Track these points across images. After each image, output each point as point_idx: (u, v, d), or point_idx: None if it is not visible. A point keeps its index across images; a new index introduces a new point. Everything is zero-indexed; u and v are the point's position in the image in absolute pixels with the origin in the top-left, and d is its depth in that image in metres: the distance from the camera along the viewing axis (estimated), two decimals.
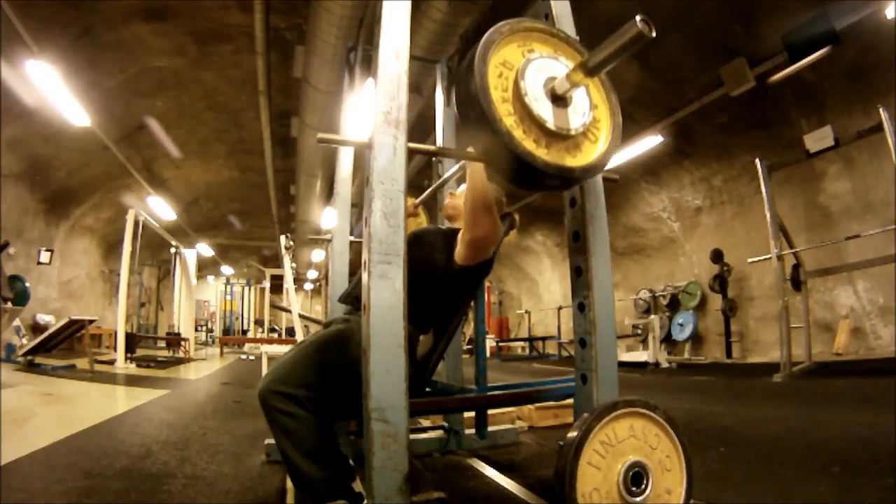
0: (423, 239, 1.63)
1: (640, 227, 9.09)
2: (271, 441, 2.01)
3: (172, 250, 9.90)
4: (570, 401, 1.44)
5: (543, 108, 1.18)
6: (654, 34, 1.01)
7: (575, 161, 1.21)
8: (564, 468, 1.13)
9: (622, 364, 5.65)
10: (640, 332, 8.20)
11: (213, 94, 7.56)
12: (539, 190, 1.28)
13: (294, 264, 5.38)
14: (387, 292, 1.06)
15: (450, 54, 3.15)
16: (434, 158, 2.58)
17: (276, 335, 14.41)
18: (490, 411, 2.49)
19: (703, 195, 7.82)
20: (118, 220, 8.81)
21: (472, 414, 2.31)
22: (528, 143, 1.14)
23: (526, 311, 12.61)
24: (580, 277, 1.37)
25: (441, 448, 2.30)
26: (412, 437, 1.79)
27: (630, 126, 6.60)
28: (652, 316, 7.51)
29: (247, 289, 16.75)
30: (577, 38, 1.49)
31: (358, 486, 1.42)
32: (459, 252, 1.49)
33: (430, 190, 2.01)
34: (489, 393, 1.88)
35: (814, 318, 5.95)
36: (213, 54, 6.50)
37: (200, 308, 17.10)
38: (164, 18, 5.71)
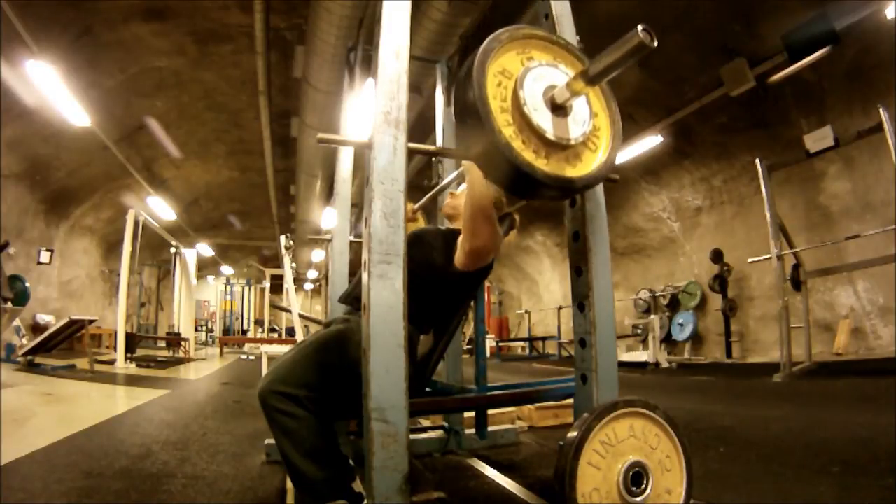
0: (423, 239, 1.63)
1: (640, 227, 9.09)
2: (271, 441, 2.01)
3: (172, 250, 9.90)
4: (570, 401, 1.44)
5: (543, 118, 1.16)
6: (655, 44, 0.99)
7: (575, 171, 1.19)
8: (564, 468, 1.13)
9: (622, 364, 5.65)
10: (640, 332, 8.20)
11: (213, 94, 7.56)
12: (539, 199, 1.26)
13: (294, 264, 5.38)
14: (387, 292, 1.06)
15: (450, 54, 3.15)
16: (434, 158, 2.59)
17: (276, 335, 14.41)
18: (490, 411, 2.48)
19: (703, 195, 7.82)
20: (118, 220, 8.81)
21: (472, 414, 2.31)
22: (528, 154, 1.12)
23: (526, 311, 12.61)
24: (580, 277, 1.37)
25: (441, 448, 2.30)
26: (412, 437, 1.79)
27: (630, 126, 6.61)
28: (652, 316, 7.51)
29: (247, 289, 16.75)
30: (578, 37, 1.49)
31: (358, 486, 1.42)
32: (459, 259, 1.48)
33: (429, 195, 2.01)
34: (489, 393, 1.88)
35: (814, 318, 5.95)
36: (213, 54, 6.50)
37: (200, 308, 17.09)
38: (164, 18, 5.71)
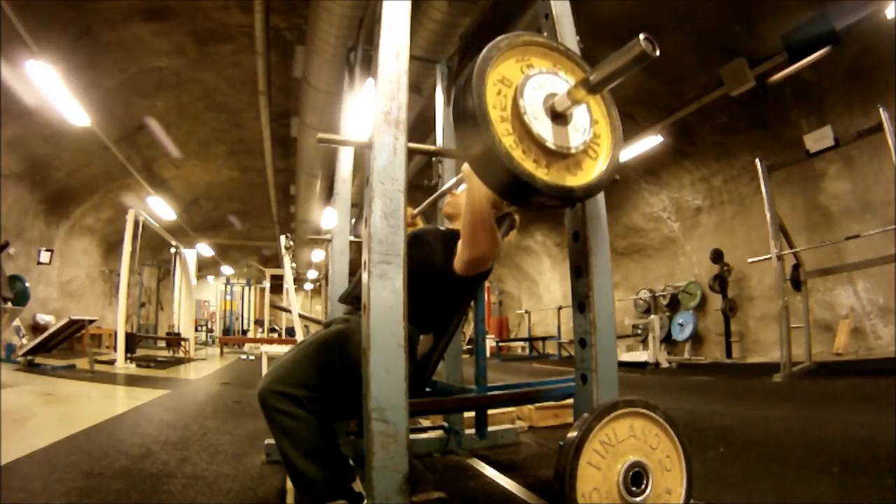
0: (423, 239, 1.63)
1: (640, 227, 9.09)
2: (271, 441, 2.01)
3: (172, 250, 9.90)
4: (570, 401, 1.44)
5: (543, 127, 1.15)
6: (657, 53, 0.98)
7: (576, 180, 1.18)
8: (564, 468, 1.13)
9: (622, 364, 5.65)
10: (640, 332, 8.20)
11: (213, 94, 7.56)
12: (539, 209, 1.25)
13: (294, 264, 5.38)
14: (387, 292, 1.05)
15: (450, 54, 3.15)
16: (434, 158, 2.58)
17: (276, 335, 14.41)
18: (490, 411, 2.48)
19: (703, 195, 7.82)
20: (118, 220, 8.80)
21: (472, 414, 2.30)
22: (528, 164, 1.11)
23: (526, 311, 12.61)
24: (580, 277, 1.37)
25: (441, 448, 2.30)
26: (412, 437, 1.79)
27: (630, 126, 6.63)
28: (652, 316, 7.51)
29: (247, 289, 16.75)
30: (577, 37, 1.49)
31: (358, 486, 1.42)
32: (458, 266, 1.48)
33: (428, 200, 2.01)
34: (489, 393, 1.88)
35: (814, 318, 5.95)
36: (213, 54, 6.50)
37: (200, 308, 17.10)
38: (164, 18, 5.71)
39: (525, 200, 1.19)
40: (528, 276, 13.27)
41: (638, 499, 1.17)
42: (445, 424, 2.38)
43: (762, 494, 1.66)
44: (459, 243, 1.48)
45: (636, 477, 1.18)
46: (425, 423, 2.62)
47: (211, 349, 12.31)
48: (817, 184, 6.19)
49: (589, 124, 1.22)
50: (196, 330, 12.67)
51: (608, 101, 1.31)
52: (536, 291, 13.13)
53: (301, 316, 5.24)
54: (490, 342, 10.65)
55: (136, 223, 7.11)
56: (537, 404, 2.82)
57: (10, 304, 5.82)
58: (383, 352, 1.03)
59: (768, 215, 5.07)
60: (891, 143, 4.14)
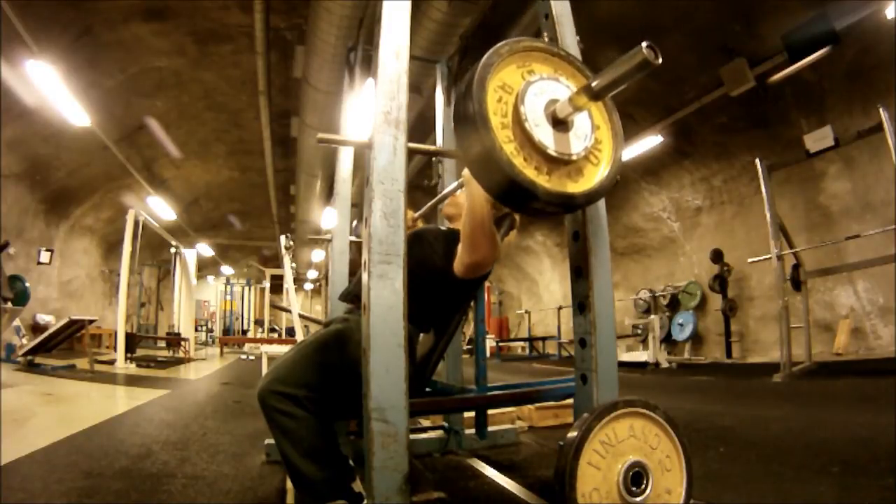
0: (423, 238, 1.63)
1: (640, 227, 9.09)
2: (271, 441, 2.01)
3: (172, 250, 9.90)
4: (570, 401, 1.44)
5: (544, 134, 1.14)
6: (659, 61, 0.98)
7: (577, 187, 1.18)
8: (564, 468, 1.13)
9: (622, 364, 5.65)
10: (640, 332, 8.20)
11: (213, 94, 7.56)
12: (540, 216, 1.25)
13: (294, 264, 5.37)
14: (387, 292, 1.06)
15: (450, 54, 3.15)
16: (434, 158, 2.59)
17: (276, 335, 14.41)
18: (490, 411, 2.48)
19: (703, 195, 7.82)
20: (118, 220, 8.80)
21: (472, 414, 2.30)
22: (530, 172, 1.10)
23: (526, 311, 12.61)
24: (580, 277, 1.37)
25: (441, 448, 2.30)
26: (412, 437, 1.79)
27: (630, 126, 6.63)
28: (652, 316, 7.51)
29: (247, 289, 16.75)
30: (578, 37, 1.49)
31: (358, 486, 1.42)
32: (457, 269, 1.48)
33: (429, 204, 2.01)
34: (489, 393, 1.88)
35: (814, 318, 5.95)
36: (213, 54, 6.50)
37: (200, 308, 17.10)
38: (164, 18, 5.71)
39: (526, 207, 1.18)
40: (528, 276, 13.27)
41: (638, 499, 1.17)
42: (445, 424, 2.38)
43: (762, 494, 1.66)
44: (459, 247, 1.48)
45: (636, 477, 1.18)
46: (425, 423, 2.62)
47: (211, 349, 12.31)
48: (817, 184, 6.19)
49: (590, 130, 1.22)
50: (196, 330, 12.67)
51: (609, 107, 1.30)
52: (536, 291, 13.13)
53: (301, 316, 5.23)
54: (490, 342, 10.65)
55: (136, 223, 7.11)
56: (537, 404, 2.82)
57: (10, 304, 5.82)
58: (383, 352, 1.03)
59: (768, 215, 5.07)
60: (891, 143, 4.14)
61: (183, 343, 9.08)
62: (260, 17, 5.20)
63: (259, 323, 15.87)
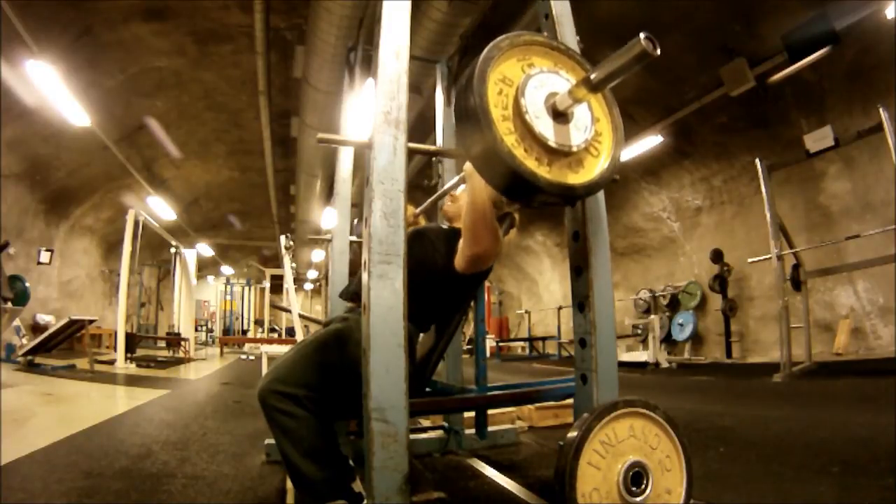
0: (424, 236, 1.63)
1: (640, 227, 9.09)
2: (271, 441, 2.01)
3: (172, 250, 9.90)
4: (570, 401, 1.44)
5: (545, 126, 1.16)
6: (658, 52, 0.99)
7: (577, 178, 1.19)
8: (564, 468, 1.13)
9: (622, 364, 5.65)
10: (640, 332, 8.20)
11: (213, 94, 7.56)
12: (541, 208, 1.27)
13: (294, 264, 5.37)
14: (387, 292, 1.06)
15: (450, 54, 3.15)
16: (434, 158, 2.58)
17: (276, 335, 14.41)
18: (490, 411, 2.48)
19: (703, 195, 7.82)
20: (118, 220, 8.80)
21: (472, 414, 2.30)
22: (530, 163, 1.11)
23: (526, 311, 12.61)
24: (580, 277, 1.37)
25: (441, 448, 2.30)
26: (412, 437, 1.79)
27: (630, 126, 6.60)
28: (652, 316, 7.51)
29: (247, 289, 16.75)
30: (578, 37, 1.49)
31: (358, 486, 1.42)
32: (458, 263, 1.48)
33: (430, 200, 2.01)
34: (489, 393, 1.88)
35: (814, 318, 5.95)
36: (213, 54, 6.51)
37: (200, 308, 17.09)
38: (164, 18, 5.71)
39: (527, 198, 1.19)
40: (528, 276, 13.27)
41: (638, 499, 1.17)
42: (445, 424, 2.38)
43: (762, 494, 1.66)
44: (461, 241, 1.48)
45: (636, 477, 1.18)
46: (425, 423, 2.62)
47: (211, 349, 12.31)
48: (817, 184, 6.19)
49: (590, 122, 1.23)
50: (196, 330, 12.67)
51: (609, 100, 1.31)
52: (536, 291, 13.13)
53: (301, 316, 5.23)
54: (490, 342, 10.65)
55: (136, 223, 7.11)
56: (537, 404, 2.82)
57: (10, 304, 5.82)
58: (383, 352, 1.03)
59: (768, 215, 5.07)
60: (891, 143, 4.14)
61: (183, 343, 9.08)
62: (260, 17, 5.20)
63: (259, 323, 15.87)
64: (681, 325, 8.09)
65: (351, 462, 1.45)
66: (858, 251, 5.39)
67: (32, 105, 5.89)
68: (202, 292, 17.25)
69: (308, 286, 19.92)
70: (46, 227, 8.71)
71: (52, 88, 5.23)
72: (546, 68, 1.23)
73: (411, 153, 1.18)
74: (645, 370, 6.58)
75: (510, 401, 1.99)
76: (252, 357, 9.16)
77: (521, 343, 12.40)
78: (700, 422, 2.85)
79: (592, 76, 1.12)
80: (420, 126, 5.39)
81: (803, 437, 2.42)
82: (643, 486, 1.19)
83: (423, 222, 2.30)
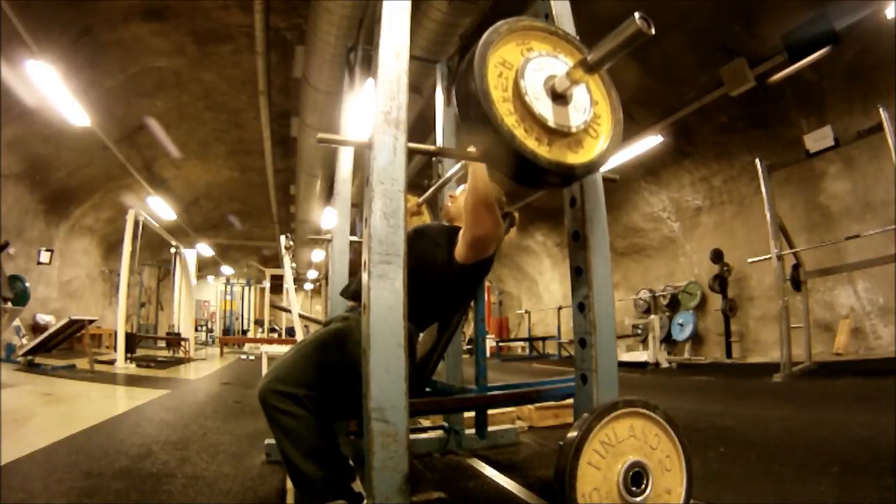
0: (425, 234, 1.64)
1: (640, 227, 9.09)
2: (271, 441, 2.01)
3: (172, 250, 9.90)
4: (570, 401, 1.44)
5: (544, 107, 1.18)
6: (652, 31, 1.01)
7: (577, 158, 1.21)
8: (564, 468, 1.13)
9: (622, 364, 5.65)
10: (640, 332, 8.20)
11: (213, 94, 7.56)
12: (541, 188, 1.30)
13: (294, 264, 5.37)
14: (387, 292, 1.06)
15: (450, 54, 3.15)
16: (434, 158, 2.58)
17: (276, 335, 14.41)
18: (490, 411, 2.48)
19: (703, 195, 7.82)
20: (118, 220, 8.81)
21: (472, 414, 2.30)
22: (531, 142, 1.14)
23: (526, 311, 12.61)
24: (580, 277, 1.37)
25: (441, 448, 2.30)
26: (412, 437, 1.79)
27: (630, 126, 6.59)
28: (652, 316, 7.51)
29: (247, 289, 16.75)
30: (577, 37, 1.49)
31: (358, 486, 1.42)
32: (460, 251, 1.49)
33: (433, 188, 2.02)
34: (489, 393, 1.88)
35: (814, 318, 5.95)
36: (213, 54, 6.50)
37: (200, 308, 17.09)
38: (164, 18, 5.71)
39: (528, 178, 1.21)
40: (528, 276, 13.26)
41: (638, 499, 1.17)
42: (445, 424, 2.38)
43: (762, 494, 1.66)
44: (462, 231, 1.50)
45: (636, 477, 1.19)
46: (425, 423, 2.62)
47: (211, 349, 12.31)
48: (817, 184, 6.19)
49: (589, 104, 1.25)
50: (196, 330, 12.66)
51: (607, 83, 1.33)
52: (536, 291, 13.13)
53: (301, 316, 5.23)
54: (490, 342, 10.65)
55: (136, 223, 7.11)
56: (537, 404, 2.82)
57: (10, 304, 5.82)
58: (383, 352, 1.03)
59: (768, 215, 5.07)
60: (891, 143, 4.14)
61: (183, 343, 9.08)
62: (260, 17, 5.20)
63: (259, 323, 15.87)
64: (681, 325, 8.09)
65: (351, 462, 1.45)
66: (858, 251, 5.39)
67: (32, 105, 5.88)
68: (202, 292, 17.25)
69: (308, 286, 19.93)
70: (46, 227, 8.71)
71: (52, 88, 5.23)
72: (545, 52, 1.25)
73: (411, 153, 1.18)
74: (645, 370, 6.58)
75: (510, 401, 1.99)
76: (252, 357, 9.16)
77: (521, 343, 12.40)
78: (700, 422, 2.85)
79: (589, 57, 1.15)
80: (420, 126, 5.39)
81: (803, 437, 2.42)
82: (643, 486, 1.19)
83: (425, 212, 2.31)
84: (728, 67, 5.36)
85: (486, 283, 6.58)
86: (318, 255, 14.63)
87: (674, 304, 8.55)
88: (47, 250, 8.22)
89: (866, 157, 5.59)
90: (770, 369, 4.95)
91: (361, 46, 2.72)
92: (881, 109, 4.23)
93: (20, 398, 3.75)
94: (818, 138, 4.82)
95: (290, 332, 12.62)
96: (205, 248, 13.72)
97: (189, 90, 7.37)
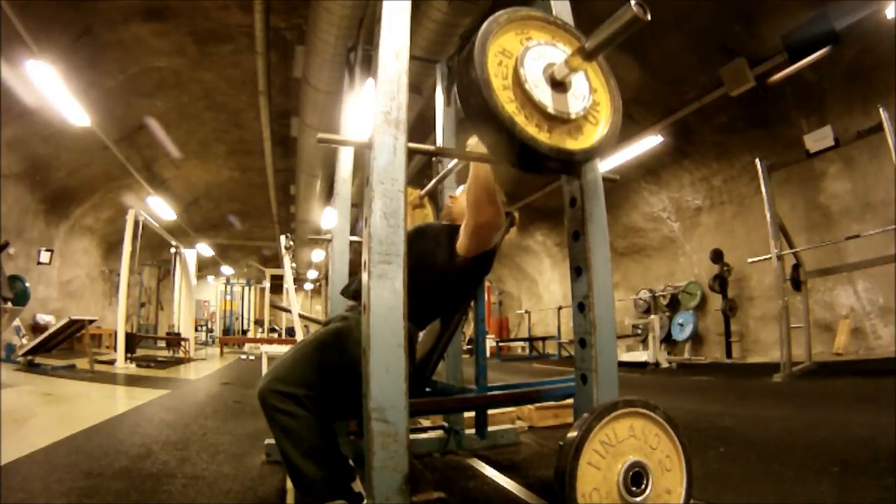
0: (425, 234, 1.64)
1: (640, 227, 9.09)
2: (271, 441, 2.01)
3: (172, 250, 9.90)
4: (570, 401, 1.44)
5: (544, 94, 1.20)
6: (648, 17, 1.03)
7: (576, 144, 1.23)
8: (564, 468, 1.13)
9: (622, 364, 5.65)
10: (640, 332, 8.20)
11: (213, 94, 7.56)
12: (542, 173, 1.32)
13: (294, 264, 5.37)
14: (387, 292, 1.06)
15: (450, 54, 3.15)
16: (434, 158, 2.58)
17: (276, 335, 14.41)
18: (490, 411, 2.48)
19: (703, 195, 7.82)
20: (118, 220, 8.81)
21: (472, 414, 2.31)
22: (531, 129, 1.15)
23: (526, 311, 12.61)
24: (580, 277, 1.37)
25: (441, 448, 2.30)
26: (412, 437, 1.79)
27: (630, 126, 6.62)
28: (652, 316, 7.51)
29: (247, 289, 16.75)
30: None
31: (358, 486, 1.42)
32: (462, 242, 1.50)
33: (435, 180, 2.04)
34: (489, 393, 1.88)
35: (814, 318, 5.95)
36: (213, 54, 6.50)
37: (200, 308, 17.10)
38: (164, 18, 5.71)
39: (528, 164, 1.22)
40: (528, 276, 13.26)
41: (638, 499, 1.17)
42: (445, 424, 2.38)
43: (762, 494, 1.66)
44: (464, 222, 1.51)
45: (636, 477, 1.18)
46: (425, 423, 2.62)
47: (211, 349, 12.31)
48: (817, 184, 6.19)
49: (588, 92, 1.27)
50: (196, 330, 12.67)
51: (606, 71, 1.35)
52: (536, 291, 13.13)
53: (301, 316, 5.23)
54: (490, 342, 10.65)
55: (136, 223, 7.11)
56: (537, 404, 2.82)
57: (10, 304, 5.82)
58: (383, 351, 1.03)
59: (768, 215, 5.07)
60: (891, 143, 4.14)
61: (183, 343, 9.08)
62: (260, 17, 5.20)
63: (259, 323, 15.87)
64: (681, 325, 8.09)
65: (351, 462, 1.45)
66: (858, 251, 5.39)
67: (32, 105, 5.89)
68: (202, 292, 17.25)
69: (308, 286, 19.93)
70: (46, 227, 8.71)
71: (52, 88, 5.23)
72: (544, 41, 1.27)
73: (411, 153, 1.18)
74: (645, 370, 6.58)
75: (510, 401, 1.99)
76: (252, 357, 9.16)
77: (521, 343, 12.40)
78: (700, 422, 2.85)
79: (587, 44, 1.16)
80: (420, 126, 5.39)
81: (803, 437, 2.42)
82: (643, 486, 1.19)
83: (428, 204, 2.31)
84: (728, 67, 5.36)
85: (486, 283, 6.58)
86: (318, 255, 14.63)
87: (674, 304, 8.55)
88: (47, 250, 8.23)
89: (866, 157, 5.59)
90: (770, 369, 4.95)
91: (361, 46, 2.72)
92: (881, 109, 4.23)
93: (20, 398, 3.75)
94: (818, 138, 4.82)
95: (290, 332, 12.62)
96: (205, 248, 13.72)
97: (189, 90, 7.37)
